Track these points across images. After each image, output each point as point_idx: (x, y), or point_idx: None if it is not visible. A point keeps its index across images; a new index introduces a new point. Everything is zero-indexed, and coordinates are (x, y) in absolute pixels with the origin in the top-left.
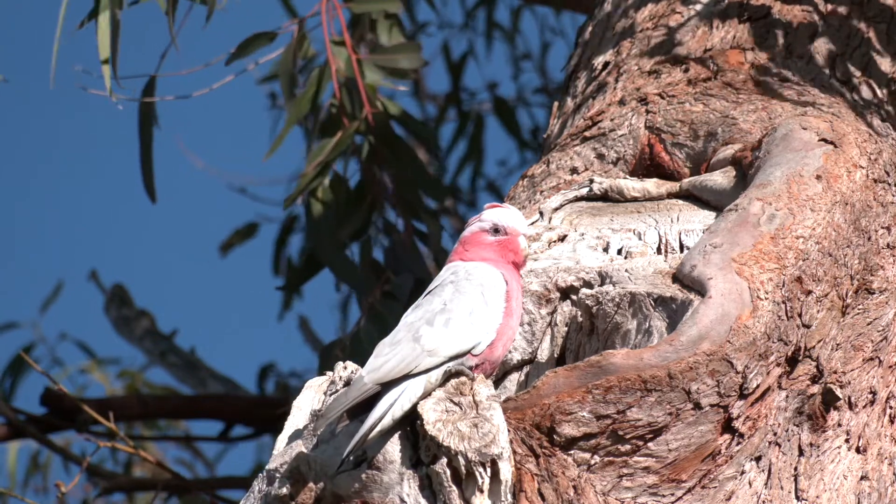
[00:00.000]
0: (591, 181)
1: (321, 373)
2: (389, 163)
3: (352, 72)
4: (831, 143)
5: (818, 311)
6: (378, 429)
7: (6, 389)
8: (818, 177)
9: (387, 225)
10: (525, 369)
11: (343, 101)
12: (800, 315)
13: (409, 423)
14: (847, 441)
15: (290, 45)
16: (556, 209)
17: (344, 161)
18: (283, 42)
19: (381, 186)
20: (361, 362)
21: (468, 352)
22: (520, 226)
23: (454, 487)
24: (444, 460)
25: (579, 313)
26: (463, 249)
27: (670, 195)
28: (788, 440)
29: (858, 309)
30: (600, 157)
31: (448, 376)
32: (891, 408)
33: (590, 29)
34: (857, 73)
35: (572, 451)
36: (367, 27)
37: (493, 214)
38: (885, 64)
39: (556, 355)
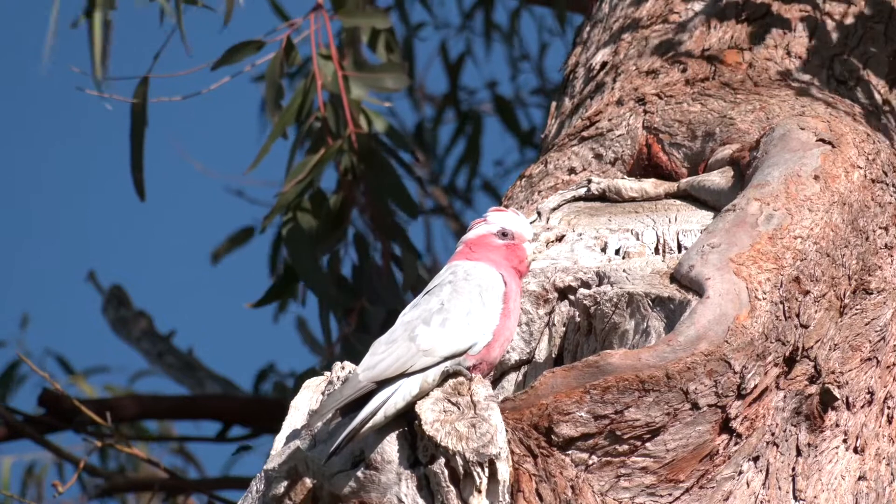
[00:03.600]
0: (589, 181)
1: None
2: (370, 185)
3: (337, 88)
4: (829, 143)
5: (816, 312)
6: (370, 425)
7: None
8: (816, 177)
9: (358, 241)
10: (523, 369)
11: (328, 117)
12: (797, 315)
13: (407, 423)
14: (845, 441)
15: (276, 54)
16: (554, 209)
17: (339, 173)
18: (273, 49)
19: (358, 206)
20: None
21: (464, 352)
22: (526, 232)
23: (452, 487)
24: (442, 460)
25: (577, 313)
26: (469, 251)
27: (668, 195)
28: (786, 440)
29: (856, 309)
30: (598, 157)
31: (446, 376)
32: (888, 408)
33: (587, 29)
34: (855, 73)
35: (570, 452)
36: (357, 39)
37: (501, 219)
38: (882, 64)
39: (553, 355)
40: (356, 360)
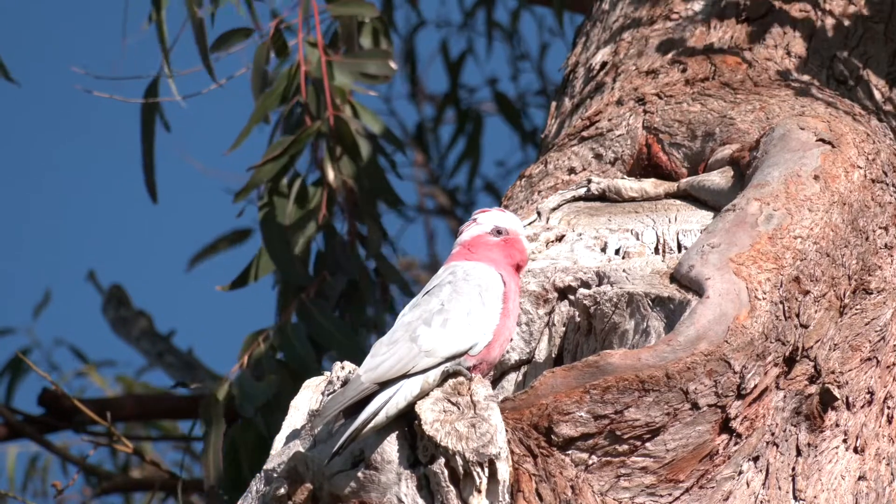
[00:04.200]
0: (589, 181)
1: (240, 361)
2: (344, 167)
3: (320, 73)
4: (829, 143)
5: (816, 312)
6: (371, 425)
7: (2, 392)
8: (816, 177)
9: (327, 227)
10: (523, 369)
11: (310, 102)
12: (797, 315)
13: (407, 423)
14: (845, 441)
15: (264, 42)
16: (554, 209)
17: (309, 163)
18: (264, 40)
19: (333, 189)
20: (287, 354)
21: (465, 352)
22: (519, 227)
23: (452, 487)
24: (442, 460)
25: (577, 313)
26: (468, 251)
27: (668, 195)
28: (786, 440)
29: (856, 309)
30: (598, 157)
31: (446, 376)
32: (888, 408)
33: (587, 29)
34: (855, 73)
35: (570, 451)
36: (351, 30)
37: (491, 218)
38: (882, 64)
39: (553, 355)
40: (312, 327)
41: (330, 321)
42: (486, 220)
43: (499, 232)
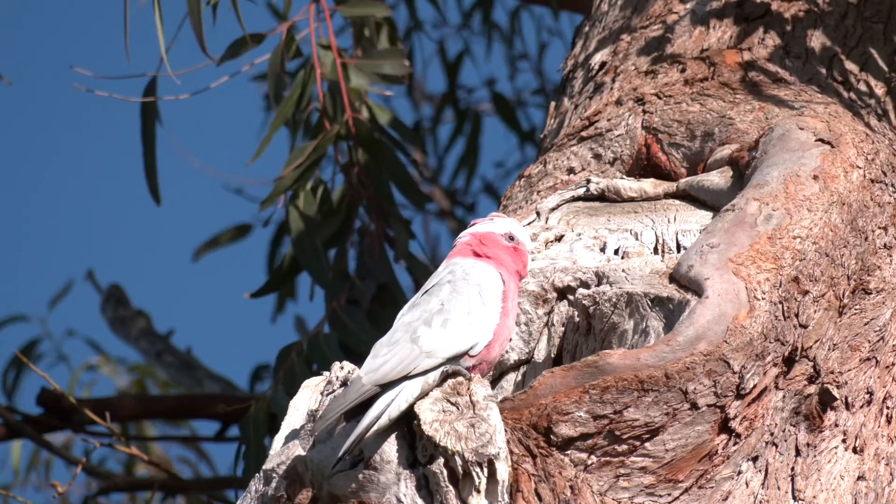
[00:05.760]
0: (588, 181)
1: (276, 374)
2: (367, 169)
3: (336, 76)
4: (828, 143)
5: (815, 312)
6: (374, 429)
7: (8, 387)
8: (815, 177)
9: (362, 231)
10: (522, 369)
11: (327, 105)
12: (797, 315)
13: (406, 424)
14: (844, 441)
15: (278, 47)
16: (553, 209)
17: (334, 165)
18: (276, 43)
19: (358, 192)
20: (320, 366)
21: (466, 353)
22: (529, 243)
23: (451, 488)
24: (441, 460)
25: (576, 313)
26: (479, 242)
27: (667, 195)
28: (785, 440)
29: (855, 309)
30: (597, 157)
31: (445, 376)
32: (888, 408)
33: (586, 29)
34: (855, 73)
35: (569, 452)
36: (361, 31)
37: (508, 223)
38: (882, 64)
39: (552, 355)
40: (344, 334)
41: (361, 328)
42: (502, 223)
43: (511, 238)
